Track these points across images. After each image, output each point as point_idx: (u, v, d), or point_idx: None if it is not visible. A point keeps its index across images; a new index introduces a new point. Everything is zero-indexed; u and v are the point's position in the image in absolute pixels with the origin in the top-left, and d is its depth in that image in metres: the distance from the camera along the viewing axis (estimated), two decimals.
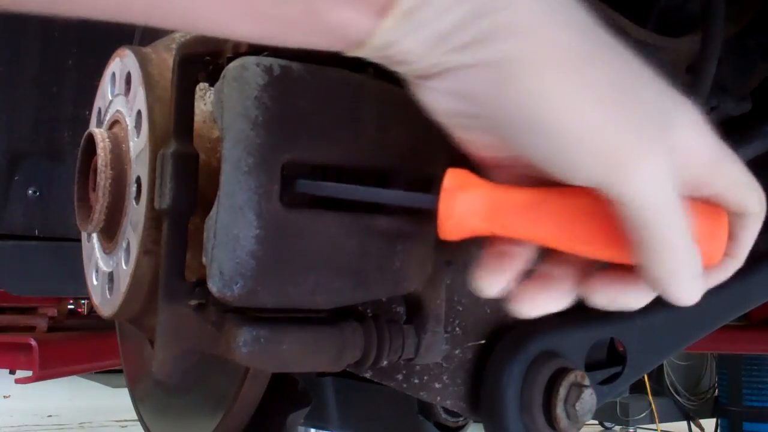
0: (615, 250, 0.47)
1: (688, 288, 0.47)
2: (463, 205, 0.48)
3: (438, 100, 0.47)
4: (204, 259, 0.57)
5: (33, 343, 2.35)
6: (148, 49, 0.80)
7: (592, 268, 0.52)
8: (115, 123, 0.80)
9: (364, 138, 0.59)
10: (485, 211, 0.48)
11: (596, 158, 0.43)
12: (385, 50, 0.45)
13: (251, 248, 0.54)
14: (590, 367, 0.86)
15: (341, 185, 0.57)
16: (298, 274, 0.57)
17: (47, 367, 2.38)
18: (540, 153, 0.44)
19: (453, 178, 0.49)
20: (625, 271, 0.49)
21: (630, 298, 0.50)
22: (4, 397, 6.41)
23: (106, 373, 4.60)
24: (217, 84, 0.57)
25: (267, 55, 0.57)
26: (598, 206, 0.46)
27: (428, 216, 0.51)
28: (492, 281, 0.51)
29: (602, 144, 0.43)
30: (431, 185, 0.52)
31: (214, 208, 0.55)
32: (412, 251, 0.63)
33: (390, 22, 0.43)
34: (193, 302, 0.65)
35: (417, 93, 0.48)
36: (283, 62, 0.56)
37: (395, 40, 0.44)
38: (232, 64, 0.56)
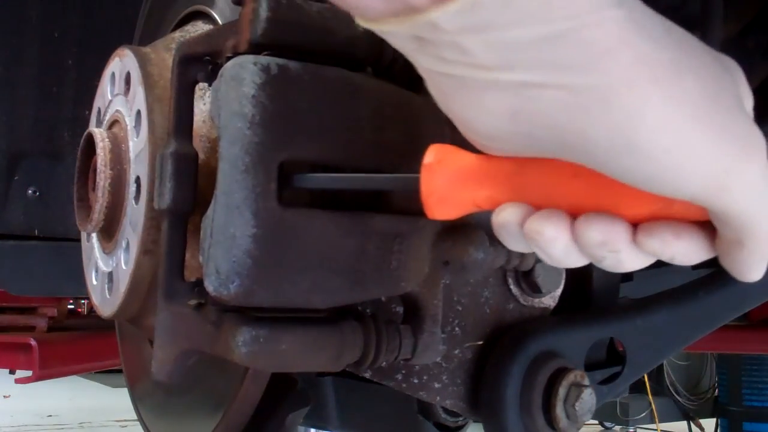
0: (601, 206, 0.46)
1: (762, 270, 0.45)
2: (444, 179, 0.46)
3: (485, 117, 0.41)
4: (201, 258, 0.57)
5: (33, 343, 2.35)
6: (147, 49, 0.80)
7: None
8: (114, 123, 0.80)
9: (361, 137, 0.59)
10: (468, 183, 0.46)
11: (701, 175, 0.40)
12: (437, 34, 0.39)
13: (248, 247, 0.54)
14: (590, 367, 0.86)
15: (336, 174, 0.57)
16: (295, 274, 0.57)
17: (47, 367, 2.38)
18: (638, 175, 0.40)
19: (433, 153, 0.47)
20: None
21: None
22: (4, 397, 6.41)
23: (106, 373, 4.59)
24: (215, 83, 0.57)
25: (266, 55, 0.57)
26: (580, 165, 0.45)
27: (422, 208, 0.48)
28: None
29: (705, 160, 0.40)
30: None
31: (211, 207, 0.55)
32: (408, 251, 0.63)
33: (454, 6, 0.37)
34: (193, 302, 0.65)
35: (450, 102, 0.42)
36: (280, 61, 0.56)
37: (451, 29, 0.38)
38: (229, 63, 0.56)
